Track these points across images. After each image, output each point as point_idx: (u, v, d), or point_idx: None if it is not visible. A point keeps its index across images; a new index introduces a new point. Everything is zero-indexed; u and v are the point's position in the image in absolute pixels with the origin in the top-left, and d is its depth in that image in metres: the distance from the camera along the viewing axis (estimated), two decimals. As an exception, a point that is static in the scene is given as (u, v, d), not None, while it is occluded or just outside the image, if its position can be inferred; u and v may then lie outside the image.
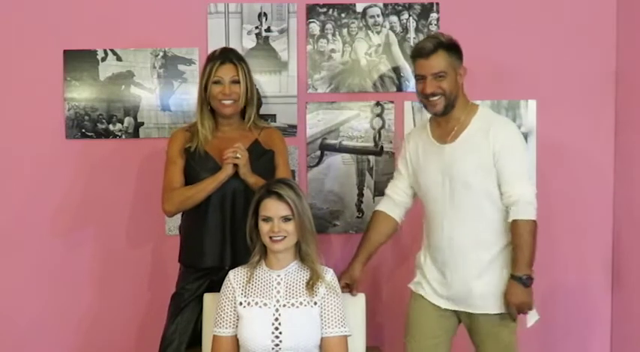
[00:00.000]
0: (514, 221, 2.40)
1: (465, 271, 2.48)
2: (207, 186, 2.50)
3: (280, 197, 2.25)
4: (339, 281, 2.38)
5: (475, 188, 2.43)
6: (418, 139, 2.61)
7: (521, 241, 2.39)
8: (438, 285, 2.55)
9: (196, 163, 2.55)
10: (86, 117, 3.06)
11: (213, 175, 2.51)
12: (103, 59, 3.05)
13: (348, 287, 2.54)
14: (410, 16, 3.12)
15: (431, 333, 2.57)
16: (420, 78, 2.47)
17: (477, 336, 2.55)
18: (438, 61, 2.43)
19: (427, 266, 2.58)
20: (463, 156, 2.45)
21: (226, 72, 2.56)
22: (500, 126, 2.47)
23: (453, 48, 2.48)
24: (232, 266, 2.42)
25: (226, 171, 2.49)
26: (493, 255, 2.46)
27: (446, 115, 2.49)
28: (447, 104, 2.45)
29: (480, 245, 2.46)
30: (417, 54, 2.47)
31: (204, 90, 2.57)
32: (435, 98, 2.44)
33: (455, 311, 2.55)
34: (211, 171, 2.53)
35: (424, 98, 2.47)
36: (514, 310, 2.42)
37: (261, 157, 2.60)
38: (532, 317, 2.50)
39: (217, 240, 2.56)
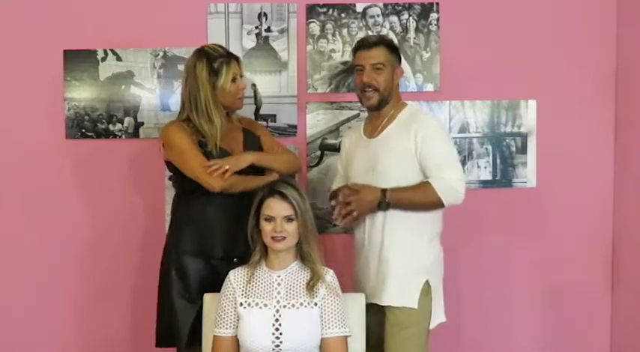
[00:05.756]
0: (427, 182, 2.42)
1: (378, 265, 2.51)
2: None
3: (284, 197, 2.25)
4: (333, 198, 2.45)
5: (396, 182, 2.46)
6: (352, 136, 2.73)
7: (418, 190, 2.42)
8: (358, 279, 2.61)
9: (216, 158, 2.51)
10: (86, 117, 3.06)
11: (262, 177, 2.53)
12: (103, 59, 3.05)
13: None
14: (410, 16, 3.12)
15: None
16: (359, 68, 2.56)
17: (388, 332, 2.50)
18: (378, 54, 2.54)
19: (355, 262, 2.65)
20: (385, 150, 2.51)
21: (237, 68, 2.58)
22: (422, 120, 2.52)
23: (393, 48, 2.59)
24: (242, 259, 2.44)
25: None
26: (410, 254, 2.48)
27: (379, 111, 2.57)
28: (381, 99, 2.55)
29: (395, 242, 2.48)
30: (359, 45, 2.59)
31: (213, 88, 2.54)
32: (370, 92, 2.53)
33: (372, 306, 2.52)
34: None
35: (361, 90, 2.56)
36: (342, 197, 2.41)
37: (254, 143, 2.66)
38: (437, 318, 2.52)
39: (231, 229, 2.53)
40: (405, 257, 2.48)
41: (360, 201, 2.43)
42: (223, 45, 2.99)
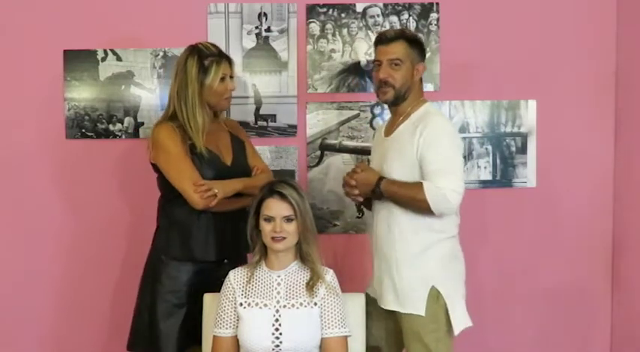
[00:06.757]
0: (422, 183, 2.33)
1: (381, 266, 2.48)
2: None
3: (283, 197, 2.25)
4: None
5: None
6: (377, 134, 2.69)
7: (410, 189, 2.35)
8: (372, 279, 2.59)
9: (206, 162, 2.52)
10: (86, 117, 3.06)
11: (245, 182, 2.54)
12: (103, 59, 3.05)
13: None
14: (410, 16, 3.12)
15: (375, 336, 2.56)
16: (377, 64, 2.50)
17: (405, 338, 2.46)
18: (397, 49, 2.46)
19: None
20: (392, 150, 2.46)
21: (228, 68, 2.56)
22: (430, 121, 2.40)
23: (414, 42, 2.50)
24: (232, 260, 2.45)
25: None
26: (412, 258, 2.42)
27: (396, 107, 2.51)
28: (397, 96, 2.47)
29: (397, 245, 2.43)
30: (378, 40, 2.52)
31: (201, 86, 2.52)
32: (385, 87, 2.47)
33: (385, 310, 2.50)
34: (218, 169, 2.53)
35: (377, 86, 2.50)
36: (351, 179, 2.42)
37: (241, 148, 2.66)
38: (460, 324, 2.42)
39: (220, 231, 2.53)
40: (407, 261, 2.41)
41: (360, 182, 2.41)
42: (223, 45, 3.01)
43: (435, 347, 2.40)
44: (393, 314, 2.47)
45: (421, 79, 2.53)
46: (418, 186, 2.33)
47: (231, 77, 2.59)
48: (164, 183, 2.55)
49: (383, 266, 2.48)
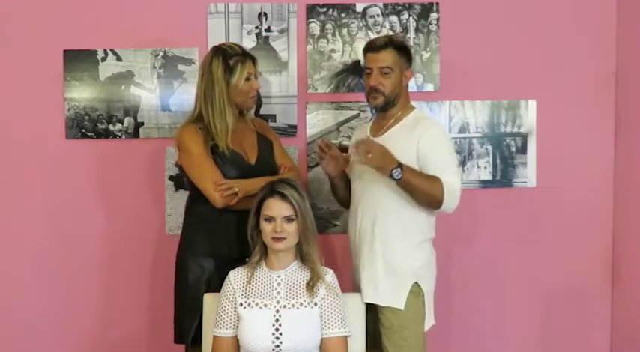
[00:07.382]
0: (438, 178, 2.40)
1: (362, 260, 2.51)
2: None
3: (284, 197, 2.26)
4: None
5: (389, 182, 2.43)
6: (360, 134, 2.73)
7: (428, 180, 2.40)
8: (353, 277, 2.61)
9: (228, 161, 2.55)
10: (86, 117, 3.06)
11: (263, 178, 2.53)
12: (103, 59, 3.05)
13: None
14: (410, 16, 3.12)
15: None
16: (367, 72, 2.57)
17: (383, 332, 2.52)
18: (386, 57, 2.54)
19: (351, 260, 2.65)
20: None
21: (252, 67, 2.60)
22: (426, 125, 2.52)
23: (403, 49, 2.58)
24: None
25: None
26: (398, 254, 2.47)
27: (385, 112, 2.59)
28: (387, 102, 2.56)
29: (383, 241, 2.47)
30: (368, 48, 2.59)
31: (227, 86, 2.56)
32: (375, 94, 2.54)
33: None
34: (241, 168, 2.56)
35: (367, 92, 2.57)
36: (363, 146, 2.41)
37: (268, 147, 2.70)
38: (430, 321, 2.52)
39: (244, 228, 2.51)
40: (393, 256, 2.47)
41: (377, 155, 2.38)
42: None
43: (415, 342, 2.46)
44: (369, 307, 2.51)
45: (407, 85, 2.62)
46: (436, 180, 2.41)
47: (256, 77, 2.64)
48: (189, 183, 2.61)
49: (364, 260, 2.51)
